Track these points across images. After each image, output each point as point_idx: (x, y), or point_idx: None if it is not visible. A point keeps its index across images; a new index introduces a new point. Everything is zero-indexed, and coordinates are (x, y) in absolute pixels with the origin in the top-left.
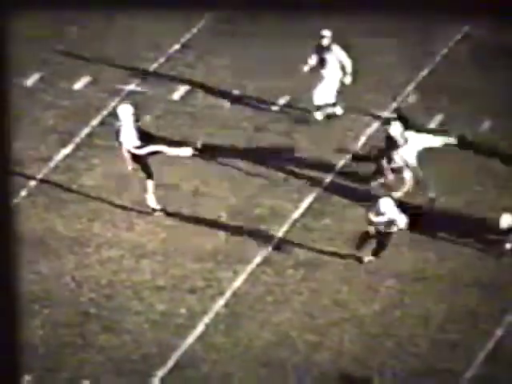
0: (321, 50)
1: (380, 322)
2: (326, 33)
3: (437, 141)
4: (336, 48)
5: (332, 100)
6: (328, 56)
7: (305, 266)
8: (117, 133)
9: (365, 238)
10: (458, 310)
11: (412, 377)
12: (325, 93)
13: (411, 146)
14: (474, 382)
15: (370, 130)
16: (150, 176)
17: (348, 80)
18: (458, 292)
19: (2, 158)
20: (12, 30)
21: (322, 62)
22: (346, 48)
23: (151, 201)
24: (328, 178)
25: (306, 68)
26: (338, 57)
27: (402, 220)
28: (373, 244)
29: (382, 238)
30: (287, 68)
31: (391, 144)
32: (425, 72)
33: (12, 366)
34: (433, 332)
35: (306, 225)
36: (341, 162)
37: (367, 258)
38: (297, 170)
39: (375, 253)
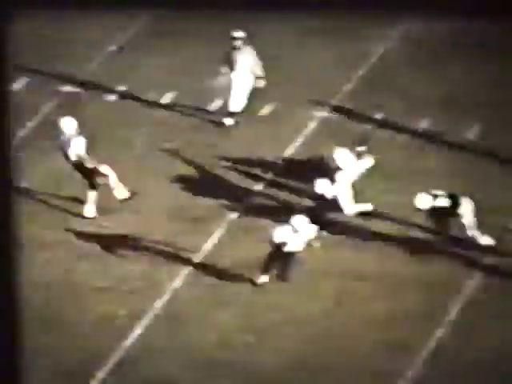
0: (233, 53)
1: (320, 322)
2: (238, 34)
3: (359, 169)
4: (248, 50)
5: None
6: (239, 58)
7: (245, 266)
8: (63, 147)
9: (272, 257)
10: (398, 309)
11: (352, 377)
12: (239, 98)
13: (340, 188)
14: (415, 382)
15: (306, 131)
16: (93, 187)
17: (261, 84)
18: (398, 291)
19: (1, 159)
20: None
21: (233, 65)
22: (279, 47)
23: (89, 211)
24: (268, 176)
25: (221, 73)
26: (249, 59)
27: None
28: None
29: (288, 258)
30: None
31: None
32: (362, 71)
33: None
34: (373, 332)
35: (245, 225)
36: (278, 160)
37: (262, 279)
38: (235, 169)
39: (282, 274)
